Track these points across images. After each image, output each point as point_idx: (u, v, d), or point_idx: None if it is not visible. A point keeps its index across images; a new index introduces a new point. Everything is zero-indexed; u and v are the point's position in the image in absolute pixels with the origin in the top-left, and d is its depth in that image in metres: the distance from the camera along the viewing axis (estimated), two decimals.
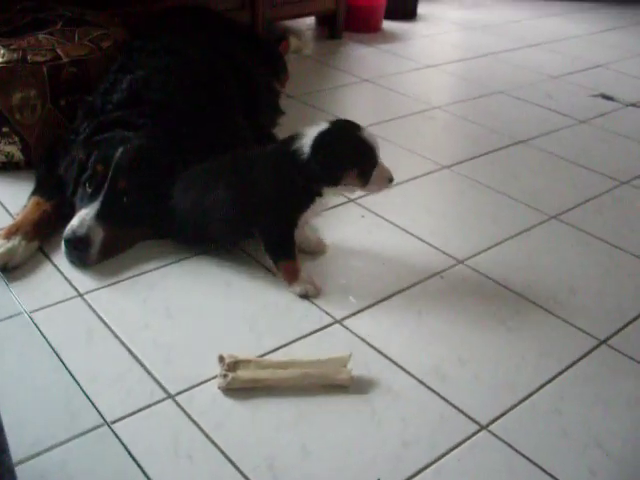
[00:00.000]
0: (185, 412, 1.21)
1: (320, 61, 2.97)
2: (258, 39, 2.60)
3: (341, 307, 1.49)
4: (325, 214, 1.81)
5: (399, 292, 1.55)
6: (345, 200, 1.89)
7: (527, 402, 1.26)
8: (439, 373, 1.32)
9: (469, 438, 1.18)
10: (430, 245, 1.71)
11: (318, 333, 1.42)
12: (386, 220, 1.80)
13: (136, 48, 1.96)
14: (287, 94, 2.55)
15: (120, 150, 1.63)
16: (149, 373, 1.30)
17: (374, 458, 1.14)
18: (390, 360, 1.34)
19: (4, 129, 1.93)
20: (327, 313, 1.47)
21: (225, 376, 1.26)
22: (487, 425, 1.21)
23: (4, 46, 1.93)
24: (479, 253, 1.69)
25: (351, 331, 1.42)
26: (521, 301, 1.53)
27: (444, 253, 1.68)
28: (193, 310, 1.46)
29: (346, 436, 1.17)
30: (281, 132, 2.20)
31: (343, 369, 1.28)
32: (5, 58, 1.88)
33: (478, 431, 1.19)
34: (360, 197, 1.90)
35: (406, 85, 2.73)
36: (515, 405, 1.25)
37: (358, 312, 1.48)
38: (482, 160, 2.16)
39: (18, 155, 1.97)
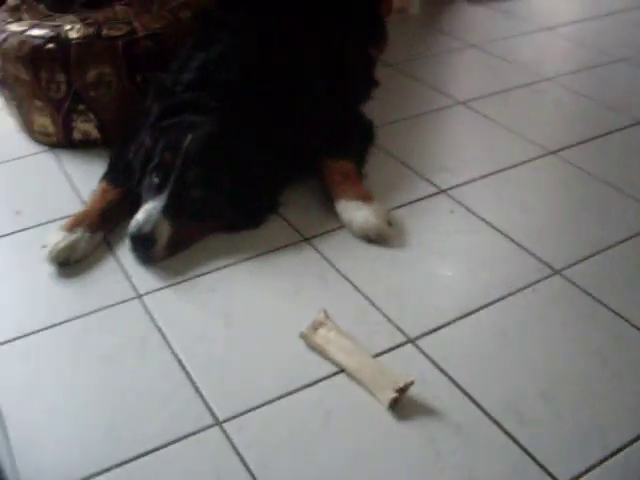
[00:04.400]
0: (231, 442, 1.13)
1: (425, 23, 2.77)
2: None
3: (417, 323, 1.36)
4: (412, 205, 1.67)
5: (484, 307, 1.40)
6: (435, 190, 1.73)
7: (618, 457, 1.10)
8: (517, 412, 1.18)
9: None
10: (524, 249, 1.54)
11: (388, 354, 1.29)
12: (477, 217, 1.64)
13: (212, 21, 1.86)
14: (385, 62, 2.38)
15: (189, 137, 1.55)
16: (199, 393, 1.23)
17: None
18: (463, 392, 1.21)
19: (80, 107, 1.89)
20: (400, 330, 1.34)
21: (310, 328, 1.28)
22: None
23: (81, 20, 1.87)
24: (579, 262, 1.51)
25: (424, 353, 1.29)
26: (622, 325, 1.35)
27: (539, 260, 1.51)
28: (254, 320, 1.38)
29: None
30: (375, 106, 2.05)
31: (389, 391, 1.17)
32: (80, 33, 1.83)
33: None
34: (452, 188, 1.74)
35: (515, 51, 2.50)
36: (603, 461, 1.09)
37: (436, 330, 1.35)
38: (594, 144, 1.94)
39: (95, 133, 1.94)
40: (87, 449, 1.15)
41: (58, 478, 1.10)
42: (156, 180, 1.54)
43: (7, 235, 1.65)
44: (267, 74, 1.70)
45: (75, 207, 1.70)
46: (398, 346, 1.32)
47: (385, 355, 1.30)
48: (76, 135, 1.93)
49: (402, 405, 1.19)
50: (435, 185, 1.76)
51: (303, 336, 1.31)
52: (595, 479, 1.08)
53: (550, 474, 1.08)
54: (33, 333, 1.37)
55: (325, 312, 1.34)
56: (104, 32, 1.84)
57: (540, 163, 1.85)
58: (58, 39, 1.84)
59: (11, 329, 1.38)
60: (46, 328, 1.38)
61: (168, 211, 1.50)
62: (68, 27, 1.85)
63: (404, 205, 1.69)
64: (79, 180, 1.84)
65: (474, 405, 1.19)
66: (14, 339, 1.36)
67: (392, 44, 2.47)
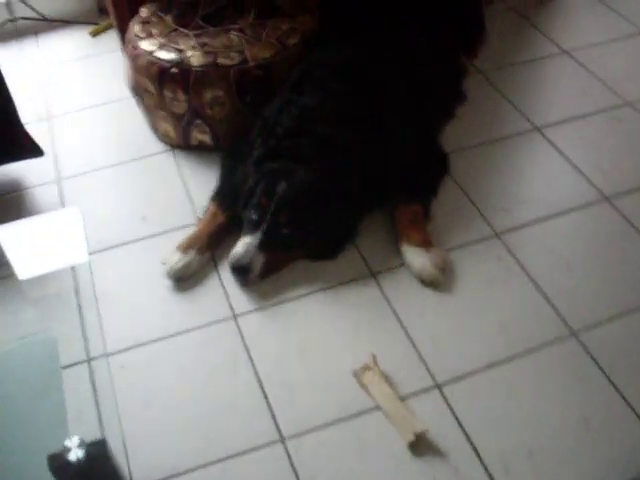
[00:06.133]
0: (290, 459, 1.68)
1: (524, 16, 2.98)
2: None
3: (445, 369, 1.83)
4: (467, 248, 2.09)
5: (504, 362, 1.82)
6: (490, 233, 2.13)
7: None
8: (506, 463, 1.64)
9: None
10: (552, 307, 1.93)
11: (416, 397, 1.78)
12: (521, 267, 2.03)
13: (315, 62, 2.24)
14: (476, 68, 2.69)
15: (283, 185, 2.00)
16: (272, 412, 1.77)
17: None
18: (467, 438, 1.68)
19: (197, 121, 2.37)
20: (430, 375, 1.82)
21: (360, 369, 1.78)
22: None
23: (200, 46, 2.31)
24: (596, 325, 1.89)
25: (445, 399, 1.77)
26: (616, 398, 1.76)
27: (562, 319, 1.90)
28: (320, 351, 1.86)
29: None
30: (454, 126, 2.42)
31: (410, 433, 1.66)
32: (199, 62, 2.28)
33: None
34: (505, 231, 2.13)
35: (608, 62, 2.70)
36: None
37: (459, 378, 1.80)
38: None
39: (209, 142, 2.42)
40: (186, 446, 1.70)
41: (161, 469, 1.67)
42: (255, 217, 2.03)
43: (136, 241, 2.19)
44: (358, 127, 2.08)
45: (189, 216, 2.22)
46: (426, 390, 1.79)
47: (414, 397, 1.78)
48: (193, 142, 2.42)
49: (418, 445, 1.68)
50: (491, 227, 2.15)
51: (354, 374, 1.81)
52: None
53: None
54: (151, 342, 1.92)
55: (374, 357, 1.82)
56: (219, 61, 2.28)
57: (593, 210, 2.18)
58: (181, 65, 2.29)
59: (133, 337, 1.92)
60: (161, 339, 1.93)
61: (262, 246, 1.99)
62: (189, 54, 2.29)
63: (459, 247, 2.10)
64: (193, 185, 2.35)
65: (473, 452, 1.67)
66: (135, 346, 1.91)
67: (487, 44, 2.76)
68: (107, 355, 1.87)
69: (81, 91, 2.78)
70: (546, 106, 2.56)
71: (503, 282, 2.01)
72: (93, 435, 1.61)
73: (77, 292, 1.90)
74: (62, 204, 2.32)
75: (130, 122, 2.59)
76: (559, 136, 2.42)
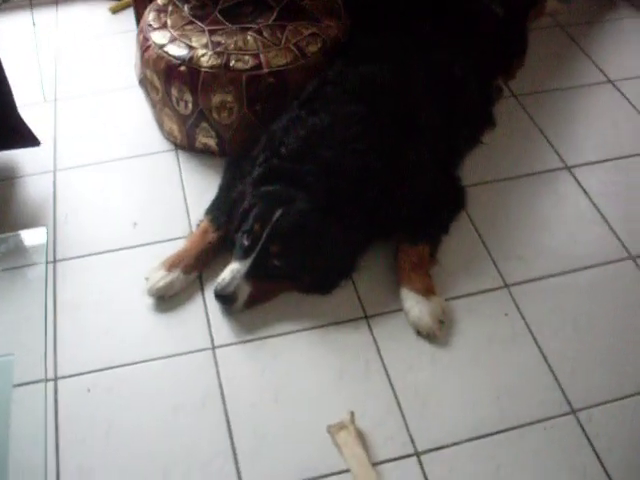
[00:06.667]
0: None
1: (570, 36, 2.79)
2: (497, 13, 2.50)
3: (428, 436, 1.70)
4: (471, 298, 1.94)
5: (493, 434, 1.70)
6: (500, 285, 1.98)
7: None
8: None
9: None
10: (554, 377, 1.79)
11: (393, 462, 1.66)
12: (527, 327, 1.89)
13: (332, 77, 2.08)
14: (511, 90, 2.52)
15: (278, 212, 1.86)
16: (236, 463, 1.66)
17: None
18: None
19: (203, 124, 2.24)
20: (412, 441, 1.69)
21: (335, 427, 1.66)
22: None
23: (213, 46, 2.17)
24: (598, 405, 1.75)
25: (423, 470, 1.65)
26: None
27: (562, 393, 1.76)
28: (297, 400, 1.75)
29: None
30: (477, 156, 2.26)
31: None
32: (210, 63, 2.14)
33: None
34: (516, 283, 1.98)
35: None
36: None
37: (442, 448, 1.68)
38: None
39: (214, 146, 2.29)
40: None
41: None
42: (246, 243, 1.89)
43: (122, 249, 2.08)
44: (370, 151, 1.92)
45: (182, 228, 2.10)
46: (404, 457, 1.67)
47: (390, 463, 1.65)
48: (197, 145, 2.29)
49: None
50: (502, 276, 2.00)
51: (329, 431, 1.69)
52: None
53: None
54: (122, 366, 1.82)
55: (352, 414, 1.70)
56: (231, 64, 2.13)
57: (615, 269, 2.02)
58: (190, 63, 2.15)
59: (104, 358, 1.83)
60: (132, 363, 1.83)
61: (249, 275, 1.87)
62: (201, 52, 2.15)
63: (464, 296, 1.96)
64: (192, 191, 2.23)
65: None
66: (105, 369, 1.81)
67: (526, 64, 2.57)
68: (58, 378, 1.79)
69: (91, 73, 2.67)
70: (581, 142, 2.38)
71: (505, 342, 1.87)
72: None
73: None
74: (54, 198, 2.21)
75: (136, 114, 2.47)
76: (590, 179, 2.25)
